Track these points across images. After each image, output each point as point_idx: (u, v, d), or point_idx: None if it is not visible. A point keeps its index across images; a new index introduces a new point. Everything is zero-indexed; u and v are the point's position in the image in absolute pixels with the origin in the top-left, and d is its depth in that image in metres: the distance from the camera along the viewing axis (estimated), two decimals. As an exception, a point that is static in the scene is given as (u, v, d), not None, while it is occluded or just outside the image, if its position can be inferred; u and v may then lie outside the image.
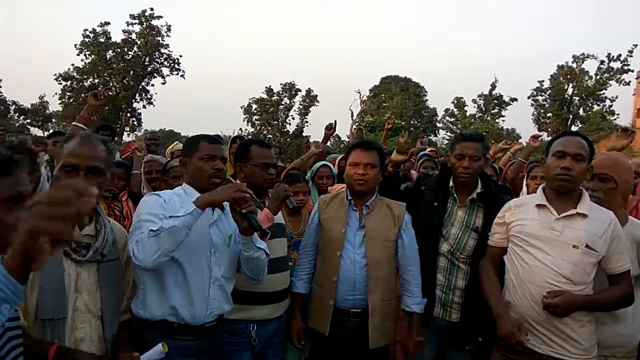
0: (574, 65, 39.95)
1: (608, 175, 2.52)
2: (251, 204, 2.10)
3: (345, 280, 2.63)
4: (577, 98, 40.41)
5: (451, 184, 2.87)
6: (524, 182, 3.71)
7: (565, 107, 40.19)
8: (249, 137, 42.26)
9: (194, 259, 2.16)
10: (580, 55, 39.63)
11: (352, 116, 42.44)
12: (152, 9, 38.44)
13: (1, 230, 1.23)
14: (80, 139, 1.86)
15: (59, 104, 38.09)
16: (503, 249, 2.53)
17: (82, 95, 36.87)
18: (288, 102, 43.87)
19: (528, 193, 3.57)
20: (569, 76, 40.06)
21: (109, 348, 1.98)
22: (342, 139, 47.18)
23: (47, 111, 41.14)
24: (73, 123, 3.51)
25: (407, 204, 2.84)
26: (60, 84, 37.52)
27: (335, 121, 4.93)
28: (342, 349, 2.68)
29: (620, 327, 2.43)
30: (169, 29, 39.25)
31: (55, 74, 37.40)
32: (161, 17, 38.86)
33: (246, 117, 43.99)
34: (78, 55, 37.89)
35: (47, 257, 0.89)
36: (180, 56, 40.34)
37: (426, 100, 48.10)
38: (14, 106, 40.55)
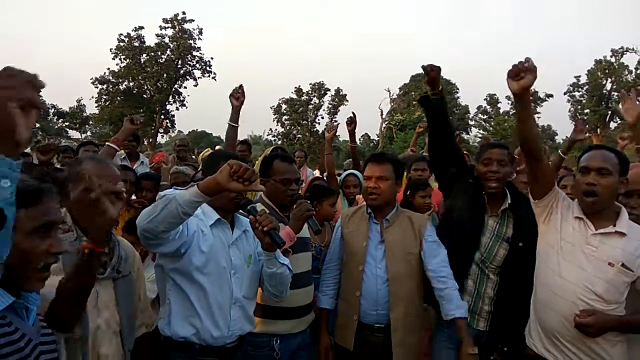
0: (613, 60, 38.67)
1: None
2: (272, 220, 2.09)
3: (368, 295, 2.62)
4: (616, 93, 39.04)
5: (484, 192, 2.81)
6: None
7: (603, 103, 39.00)
8: (279, 136, 42.69)
9: (214, 280, 2.16)
10: (619, 49, 38.42)
11: (381, 115, 42.21)
12: (184, 13, 39.26)
13: (32, 258, 1.29)
14: (97, 161, 1.94)
15: (96, 107, 39.35)
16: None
17: (118, 98, 37.96)
18: (317, 101, 44.02)
19: None
20: (607, 71, 38.84)
21: None
22: (371, 137, 47.05)
23: (84, 114, 42.57)
24: (107, 143, 3.61)
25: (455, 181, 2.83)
26: (97, 87, 38.70)
27: (354, 113, 4.68)
28: None
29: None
30: (200, 32, 40.07)
31: (92, 78, 38.59)
32: (193, 20, 39.67)
33: (276, 117, 44.39)
34: (113, 59, 39.07)
35: (25, 125, 0.94)
36: (212, 58, 41.06)
37: (458, 97, 47.40)
38: (53, 109, 42.17)
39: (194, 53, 40.47)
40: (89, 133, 44.77)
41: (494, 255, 2.72)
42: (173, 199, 1.78)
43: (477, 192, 2.81)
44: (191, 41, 39.82)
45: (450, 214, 2.93)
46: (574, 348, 2.22)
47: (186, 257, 2.10)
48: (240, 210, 2.28)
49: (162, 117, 39.94)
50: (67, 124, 43.11)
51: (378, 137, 42.77)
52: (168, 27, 39.55)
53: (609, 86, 39.32)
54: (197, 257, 2.11)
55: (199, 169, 4.06)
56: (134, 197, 3.70)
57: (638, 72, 37.82)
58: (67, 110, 42.74)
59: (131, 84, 39.40)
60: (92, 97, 38.81)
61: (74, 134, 43.07)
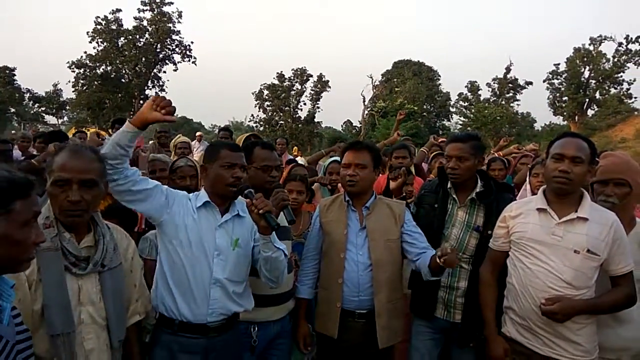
0: (591, 48, 39.13)
1: (624, 180, 2.47)
2: (267, 203, 2.14)
3: (350, 281, 2.65)
4: (594, 81, 39.63)
5: (449, 184, 2.88)
6: (527, 179, 3.68)
7: (581, 91, 39.47)
8: (261, 122, 42.35)
9: (194, 259, 2.22)
10: (598, 37, 38.86)
11: (364, 101, 42.14)
12: (163, -5, 38.31)
13: (23, 249, 1.30)
14: (70, 151, 1.86)
15: (72, 91, 38.34)
16: (505, 253, 2.53)
17: (95, 82, 37.10)
18: (299, 87, 43.71)
19: (531, 190, 3.54)
20: (585, 59, 39.26)
21: (118, 356, 2.03)
22: (353, 124, 47.05)
23: (60, 99, 41.53)
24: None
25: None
26: (74, 71, 37.72)
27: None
28: (349, 351, 2.70)
29: (624, 330, 2.41)
30: (180, 15, 39.26)
31: (69, 62, 37.58)
32: (172, 3, 38.83)
33: (258, 103, 43.96)
34: (90, 42, 38.10)
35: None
36: (192, 42, 40.38)
37: (439, 84, 47.61)
38: (28, 94, 41.05)
39: (174, 37, 39.68)
40: (65, 118, 43.83)
41: (465, 245, 2.79)
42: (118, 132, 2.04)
43: (439, 188, 2.92)
44: (170, 24, 38.99)
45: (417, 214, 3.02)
46: (545, 333, 2.30)
47: (167, 227, 2.23)
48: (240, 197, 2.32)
49: (141, 102, 39.21)
50: (43, 109, 42.08)
51: (360, 123, 42.74)
52: (146, 10, 38.67)
53: (587, 74, 39.81)
54: (179, 231, 2.22)
55: (176, 160, 3.95)
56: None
57: (615, 60, 38.37)
58: (43, 94, 41.69)
59: (109, 68, 38.49)
60: (69, 81, 37.85)
61: (51, 119, 42.17)
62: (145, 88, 39.82)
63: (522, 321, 2.38)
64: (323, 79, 43.37)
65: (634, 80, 38.70)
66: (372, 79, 43.23)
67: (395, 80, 46.42)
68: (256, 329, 2.56)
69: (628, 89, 38.77)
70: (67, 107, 42.13)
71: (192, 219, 2.25)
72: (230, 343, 2.34)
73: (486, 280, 2.59)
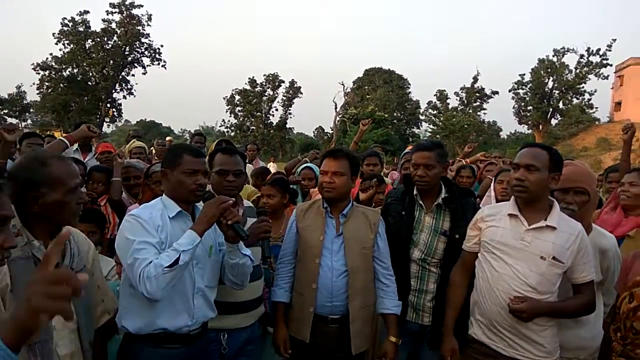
0: (555, 59, 40.50)
1: (583, 188, 2.57)
2: (236, 214, 2.12)
3: (323, 287, 2.67)
4: (557, 91, 41.00)
5: (415, 191, 2.94)
6: (492, 185, 3.83)
7: (545, 101, 40.80)
8: (232, 128, 42.06)
9: None
10: (561, 49, 40.27)
11: (335, 108, 42.40)
12: (132, -2, 37.72)
13: None
14: (62, 161, 1.86)
15: (37, 94, 37.28)
16: (476, 254, 2.60)
17: (61, 85, 36.17)
18: (271, 93, 43.71)
19: (495, 196, 3.66)
20: (549, 70, 40.60)
21: (89, 357, 1.99)
22: (325, 130, 47.26)
23: (24, 101, 40.23)
24: (60, 138, 3.52)
25: None
26: (39, 73, 36.67)
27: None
28: (321, 356, 2.72)
29: (583, 331, 2.52)
30: (149, 18, 38.76)
31: (33, 64, 36.50)
32: (141, 6, 38.32)
33: (229, 109, 43.69)
34: (56, 44, 37.25)
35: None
36: (162, 46, 39.91)
37: (409, 92, 48.38)
38: (-10, 96, 39.57)
39: (143, 40, 39.12)
40: (29, 121, 42.51)
41: (434, 249, 2.85)
42: (189, 262, 2.06)
43: (405, 196, 2.98)
44: (140, 27, 38.44)
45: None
46: (510, 335, 2.38)
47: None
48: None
49: (108, 105, 38.42)
50: (5, 111, 40.61)
51: (332, 129, 42.99)
52: (115, 12, 38.03)
53: (550, 85, 41.15)
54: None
55: (150, 165, 3.92)
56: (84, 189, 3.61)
57: (577, 71, 39.81)
58: (6, 97, 40.28)
59: (75, 70, 37.63)
60: (34, 83, 36.79)
61: (14, 122, 40.76)
62: (113, 91, 39.06)
63: (488, 323, 2.45)
64: (295, 85, 43.49)
65: (595, 91, 40.31)
66: (344, 86, 43.59)
67: (366, 87, 46.94)
68: (225, 336, 2.56)
69: (589, 100, 40.30)
70: (31, 110, 40.90)
71: (171, 234, 2.16)
72: (202, 349, 2.33)
73: (455, 281, 2.67)
